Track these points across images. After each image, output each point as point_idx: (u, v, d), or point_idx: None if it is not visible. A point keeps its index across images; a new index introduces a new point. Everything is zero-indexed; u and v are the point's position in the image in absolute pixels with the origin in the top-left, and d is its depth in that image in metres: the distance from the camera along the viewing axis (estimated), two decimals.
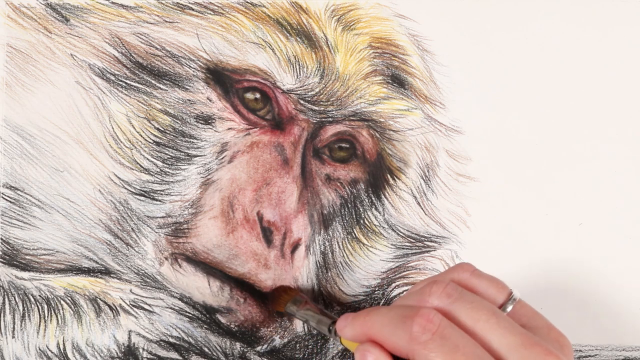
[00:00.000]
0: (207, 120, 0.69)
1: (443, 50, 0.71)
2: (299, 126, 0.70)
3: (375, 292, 0.71)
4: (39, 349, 0.68)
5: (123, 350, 0.69)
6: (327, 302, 0.70)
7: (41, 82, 0.69)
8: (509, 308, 0.56)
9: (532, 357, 0.51)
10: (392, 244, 0.71)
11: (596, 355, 0.70)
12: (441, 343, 0.51)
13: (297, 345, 0.70)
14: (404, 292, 0.71)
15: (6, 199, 0.69)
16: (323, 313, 0.65)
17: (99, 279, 0.69)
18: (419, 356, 0.51)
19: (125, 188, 0.68)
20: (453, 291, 0.54)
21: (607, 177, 0.71)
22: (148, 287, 0.69)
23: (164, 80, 0.69)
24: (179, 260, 0.69)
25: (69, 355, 0.68)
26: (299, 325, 0.70)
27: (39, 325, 0.68)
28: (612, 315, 0.71)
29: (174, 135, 0.69)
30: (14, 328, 0.68)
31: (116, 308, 0.69)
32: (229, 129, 0.69)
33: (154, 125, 0.69)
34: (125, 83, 0.69)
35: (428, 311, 0.53)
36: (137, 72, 0.69)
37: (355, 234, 0.71)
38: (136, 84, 0.69)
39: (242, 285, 0.69)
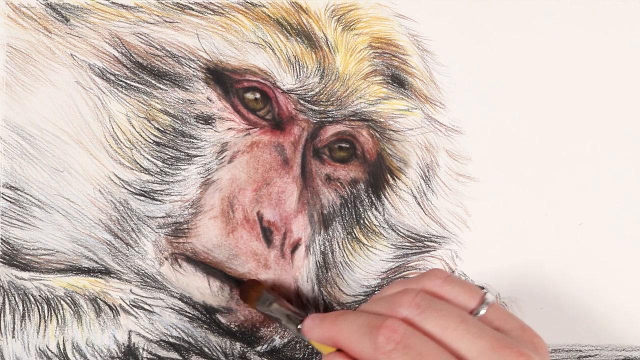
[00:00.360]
0: (207, 120, 0.69)
1: (443, 50, 0.71)
2: (299, 126, 0.70)
3: (375, 292, 0.71)
4: (39, 349, 0.68)
5: (123, 350, 0.69)
6: (327, 302, 0.70)
7: (41, 82, 0.69)
8: (482, 312, 0.56)
9: None
10: (392, 244, 0.71)
11: (596, 355, 0.70)
12: (404, 352, 0.52)
13: (297, 345, 0.70)
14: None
15: (6, 199, 0.69)
16: (292, 311, 0.65)
17: (99, 279, 0.69)
18: None
19: (125, 188, 0.68)
20: (422, 301, 0.55)
21: (607, 177, 0.71)
22: (148, 287, 0.69)
23: (164, 80, 0.69)
24: (179, 260, 0.69)
25: (69, 355, 0.68)
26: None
27: (39, 325, 0.68)
28: (612, 315, 0.71)
29: (174, 135, 0.69)
30: (14, 328, 0.68)
31: (116, 308, 0.69)
32: (229, 129, 0.69)
33: (154, 125, 0.69)
34: (125, 83, 0.69)
35: (393, 322, 0.53)
36: (137, 72, 0.69)
37: (355, 234, 0.71)
38: (136, 84, 0.69)
39: (242, 285, 0.69)
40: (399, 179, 0.71)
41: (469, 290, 0.57)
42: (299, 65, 0.69)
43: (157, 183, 0.69)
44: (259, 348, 0.70)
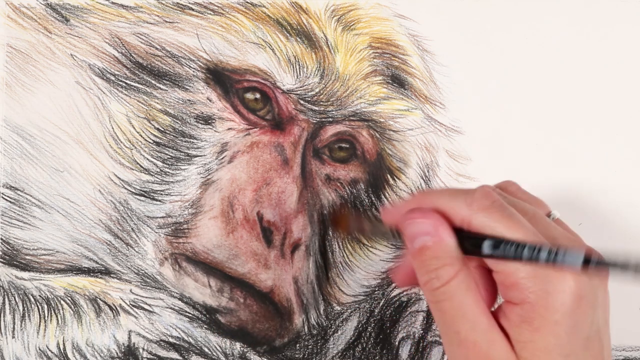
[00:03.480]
0: (207, 120, 0.69)
1: (443, 50, 0.71)
2: (299, 126, 0.70)
3: (375, 292, 0.71)
4: (39, 349, 0.68)
5: (123, 350, 0.69)
6: (327, 302, 0.70)
7: (41, 82, 0.69)
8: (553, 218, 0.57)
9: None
10: (392, 244, 0.71)
11: None
12: (501, 209, 0.53)
13: (297, 345, 0.70)
14: (404, 293, 0.71)
15: (6, 199, 0.69)
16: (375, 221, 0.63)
17: (99, 279, 0.69)
18: (477, 220, 0.53)
19: (125, 188, 0.68)
20: (497, 195, 0.55)
21: (607, 177, 0.71)
22: (148, 287, 0.69)
23: (164, 80, 0.69)
24: (179, 260, 0.69)
25: (69, 355, 0.68)
26: (299, 325, 0.70)
27: (39, 325, 0.68)
28: (612, 315, 0.71)
29: (174, 136, 0.69)
30: (14, 328, 0.68)
31: (116, 308, 0.69)
32: (229, 129, 0.69)
33: (154, 126, 0.69)
34: (125, 83, 0.69)
35: (486, 186, 0.55)
36: (137, 72, 0.69)
37: (355, 234, 0.71)
38: (136, 84, 0.69)
39: (242, 285, 0.69)
40: (399, 179, 0.71)
41: (538, 202, 0.58)
42: (299, 65, 0.69)
43: (157, 183, 0.69)
44: (259, 348, 0.70)
